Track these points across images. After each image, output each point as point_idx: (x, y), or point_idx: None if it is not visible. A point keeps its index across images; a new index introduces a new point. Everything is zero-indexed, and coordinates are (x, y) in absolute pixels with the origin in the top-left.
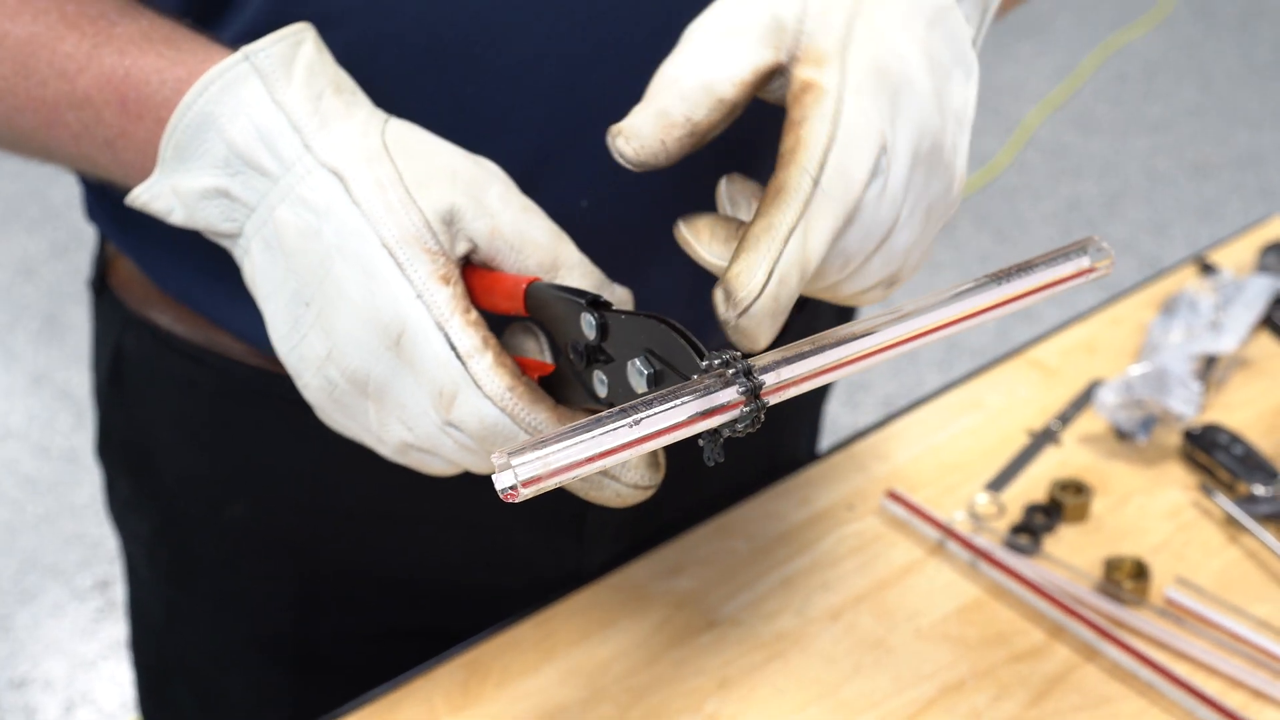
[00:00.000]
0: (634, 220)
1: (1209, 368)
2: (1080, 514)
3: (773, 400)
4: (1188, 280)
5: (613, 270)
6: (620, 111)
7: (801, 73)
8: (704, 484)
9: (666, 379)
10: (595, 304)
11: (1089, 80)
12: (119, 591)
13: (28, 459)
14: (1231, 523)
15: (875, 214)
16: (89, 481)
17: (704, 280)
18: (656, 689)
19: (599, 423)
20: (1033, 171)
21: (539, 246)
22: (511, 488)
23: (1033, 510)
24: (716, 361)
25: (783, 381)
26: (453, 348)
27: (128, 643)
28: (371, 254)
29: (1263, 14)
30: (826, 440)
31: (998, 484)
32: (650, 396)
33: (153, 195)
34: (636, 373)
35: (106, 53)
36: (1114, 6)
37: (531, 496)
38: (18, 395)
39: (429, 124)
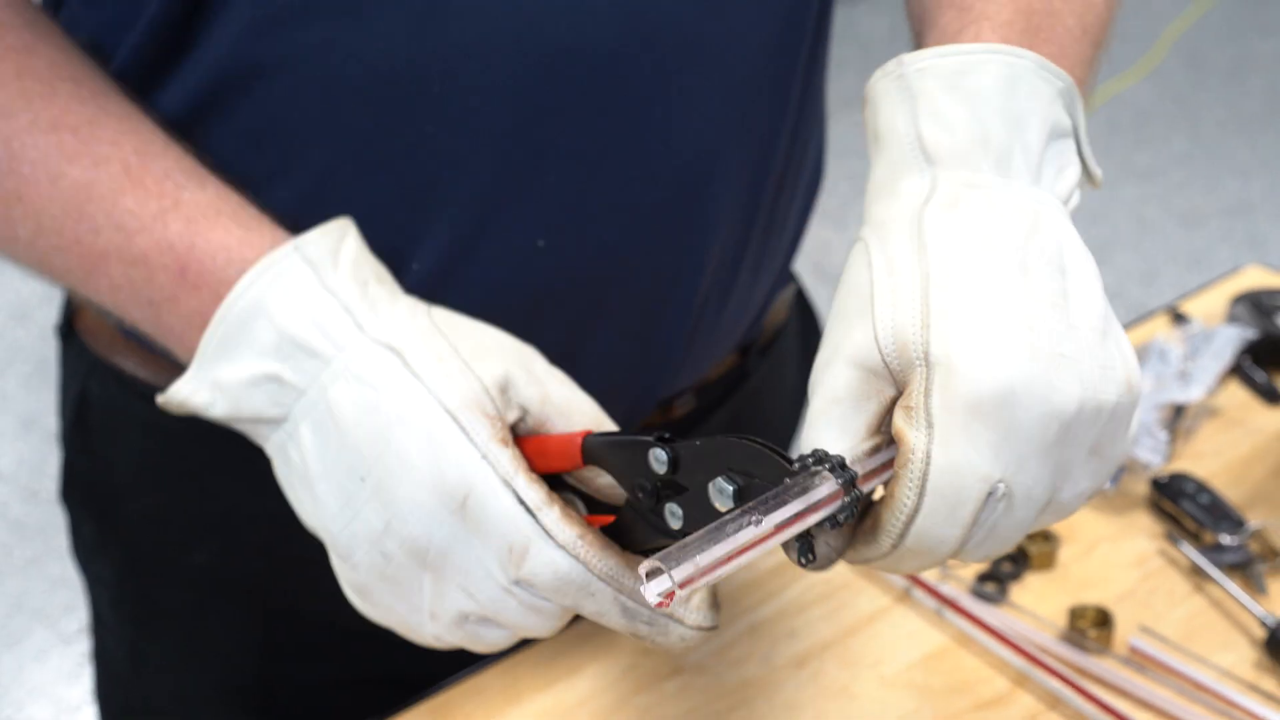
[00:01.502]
0: (590, 261)
1: (1178, 417)
2: (1047, 562)
3: (866, 489)
4: (1158, 330)
5: (570, 310)
6: (575, 155)
7: (897, 420)
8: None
9: (753, 491)
10: (663, 439)
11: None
12: None
13: (16, 503)
14: (1197, 572)
15: (995, 535)
16: None
17: (657, 318)
18: None
19: (726, 525)
20: None
21: (584, 414)
22: (667, 592)
23: (999, 558)
24: (810, 461)
25: (868, 470)
26: (521, 502)
27: (93, 688)
28: (434, 420)
29: (1252, 65)
30: None
31: None
32: (762, 499)
33: (192, 390)
34: (719, 491)
35: (173, 219)
36: (1105, 56)
37: (683, 599)
38: (8, 438)
39: (391, 163)
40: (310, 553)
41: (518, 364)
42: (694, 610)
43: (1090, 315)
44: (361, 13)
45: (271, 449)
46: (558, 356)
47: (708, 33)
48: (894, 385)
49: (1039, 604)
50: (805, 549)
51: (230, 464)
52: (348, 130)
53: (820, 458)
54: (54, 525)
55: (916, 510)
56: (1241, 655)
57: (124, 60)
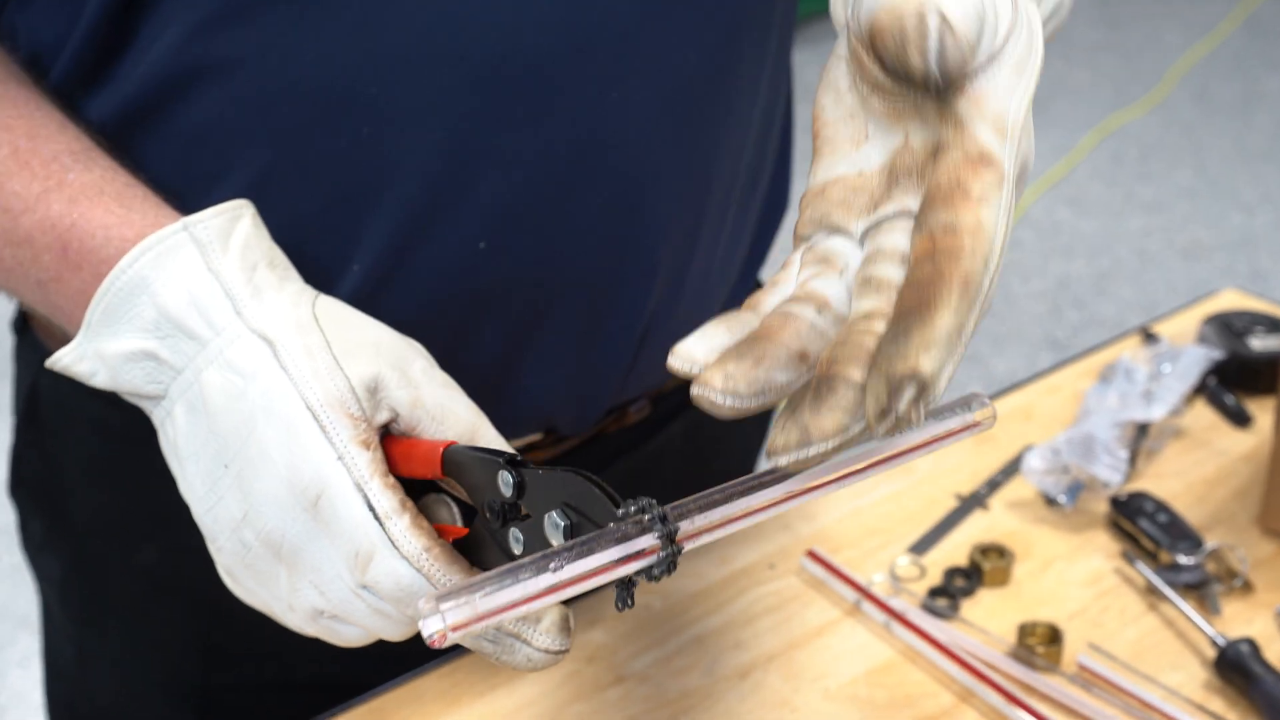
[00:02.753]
0: (532, 263)
1: (1141, 436)
2: (1000, 578)
3: (688, 546)
4: (1128, 349)
5: (513, 314)
6: (513, 160)
7: (982, 134)
8: None
9: (582, 529)
10: (512, 461)
11: (1085, 160)
12: None
13: (4, 509)
14: (1152, 591)
15: None
16: None
17: (600, 320)
18: None
19: (522, 569)
20: (1025, 249)
21: (459, 419)
22: (439, 632)
23: (952, 573)
24: (633, 509)
25: (698, 527)
26: (371, 509)
27: (42, 685)
28: (295, 416)
29: (1259, 100)
30: None
31: (921, 547)
32: (571, 544)
33: (76, 358)
34: (553, 525)
35: (55, 199)
36: (1112, 88)
37: (456, 641)
38: None
39: (327, 170)
40: None
41: (392, 364)
42: (543, 633)
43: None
44: (297, 20)
45: (155, 422)
46: (501, 359)
47: (644, 41)
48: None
49: (990, 620)
50: (624, 595)
51: None
52: (285, 134)
53: (645, 508)
54: None
55: (1005, 241)
56: (1191, 675)
57: (61, 69)
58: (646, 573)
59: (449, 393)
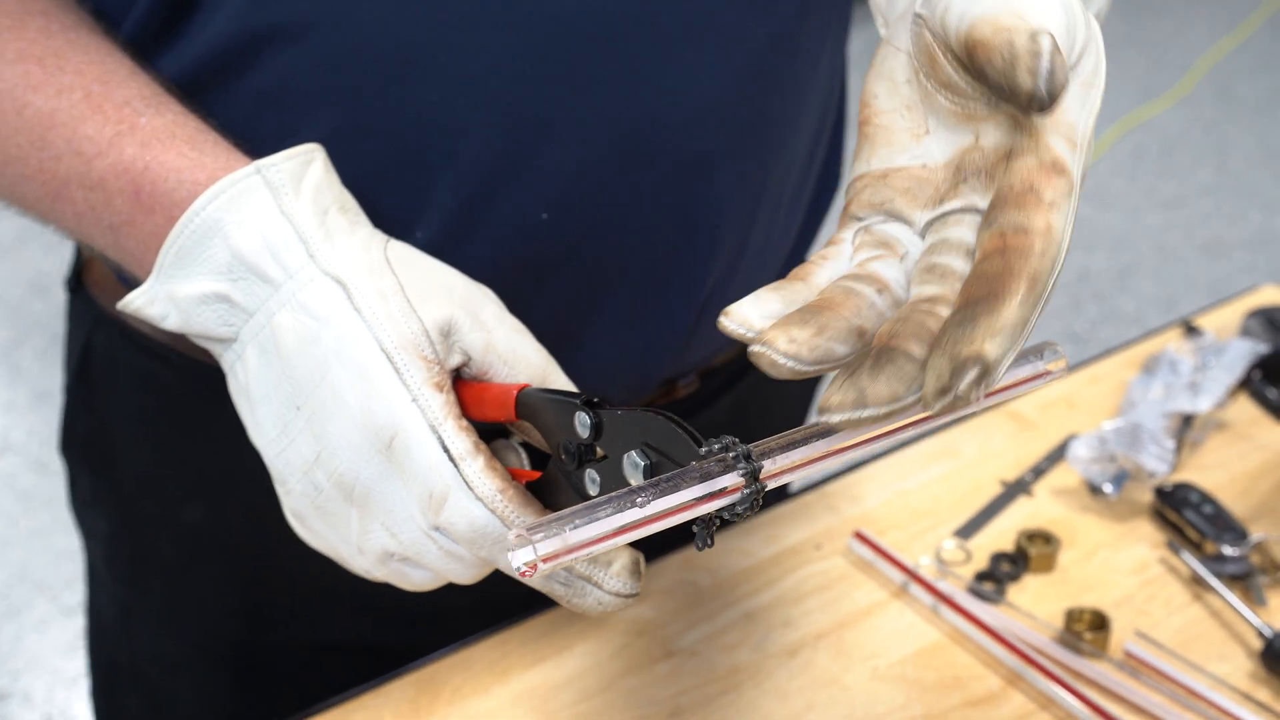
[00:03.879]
0: (594, 235)
1: (1185, 427)
2: (1046, 564)
3: (771, 485)
4: (1170, 341)
5: (573, 285)
6: (575, 128)
7: (1055, 143)
8: None
9: (662, 469)
10: (589, 403)
11: (1106, 154)
12: None
13: (26, 473)
14: (1197, 581)
15: None
16: None
17: (659, 295)
18: (607, 715)
19: (608, 504)
20: None
21: (530, 363)
22: (530, 563)
23: (998, 558)
24: (716, 447)
25: (780, 467)
26: (445, 450)
27: (85, 641)
28: (369, 358)
29: None
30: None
31: (966, 531)
32: (656, 480)
33: (148, 300)
34: (632, 465)
35: (128, 142)
36: (1134, 83)
37: (546, 573)
38: (20, 410)
39: (392, 129)
40: None
41: (464, 308)
42: (613, 576)
43: None
44: None
45: (225, 366)
46: (560, 329)
47: (714, 13)
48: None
49: (1036, 606)
50: (705, 535)
51: (225, 423)
52: (350, 97)
53: (729, 446)
54: (61, 498)
55: (1068, 250)
56: (1237, 665)
57: (129, 30)
58: (730, 510)
59: (520, 337)
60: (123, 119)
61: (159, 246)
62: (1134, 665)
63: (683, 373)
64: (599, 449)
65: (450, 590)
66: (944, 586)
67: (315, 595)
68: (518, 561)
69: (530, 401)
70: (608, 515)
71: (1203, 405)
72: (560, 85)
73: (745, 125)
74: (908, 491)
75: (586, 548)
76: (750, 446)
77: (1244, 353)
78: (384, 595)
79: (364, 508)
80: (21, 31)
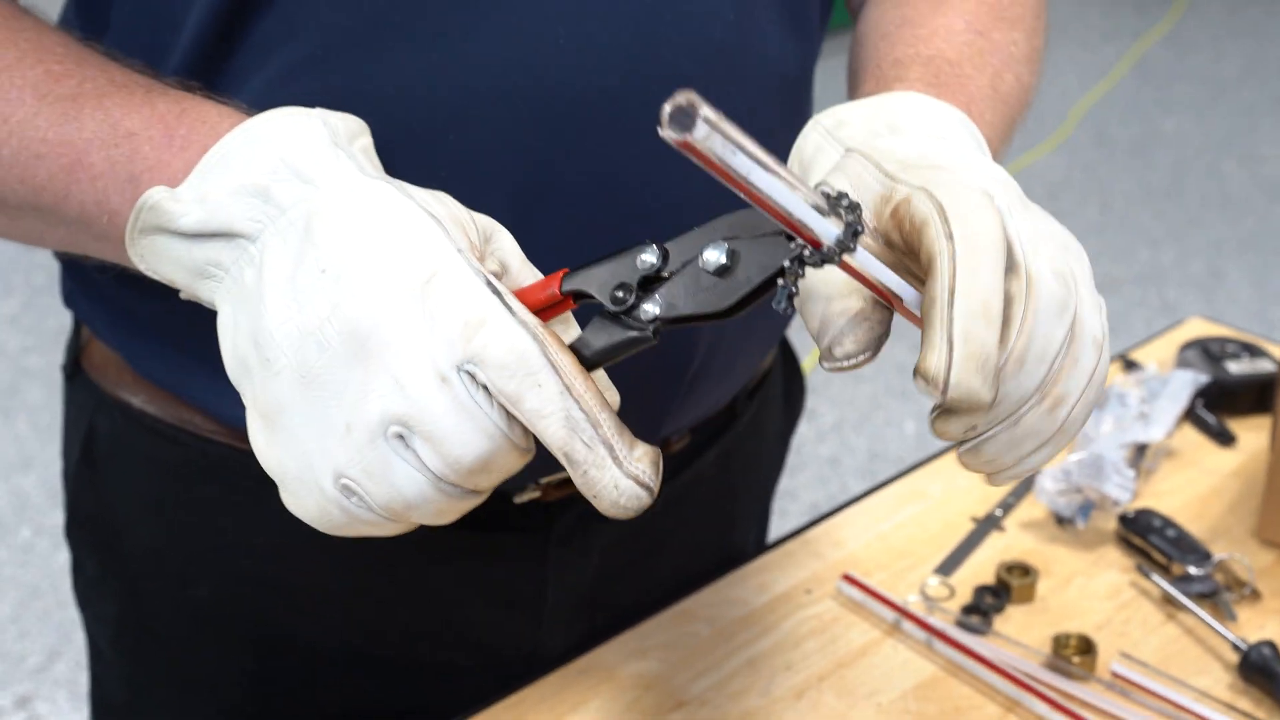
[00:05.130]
0: None
1: (1139, 457)
2: (1027, 594)
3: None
4: (1113, 376)
5: None
6: (580, 196)
7: (900, 202)
8: (657, 573)
9: (742, 252)
10: (649, 242)
11: None
12: (42, 707)
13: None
14: (1168, 601)
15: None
16: (10, 598)
17: (658, 363)
18: None
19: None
20: None
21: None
22: (693, 106)
23: (982, 591)
24: (829, 193)
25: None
26: (490, 284)
27: None
28: (418, 218)
29: (1156, 140)
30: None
31: (947, 568)
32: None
33: (170, 196)
34: (708, 259)
35: (161, 100)
36: (1019, 130)
37: (699, 147)
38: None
39: None
40: (305, 580)
41: (505, 233)
42: (636, 460)
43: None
44: (375, 61)
45: (223, 290)
46: None
47: (703, 87)
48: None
49: (1022, 634)
50: (791, 284)
51: (232, 496)
52: None
53: (838, 194)
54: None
55: (945, 214)
56: (1217, 679)
57: None
58: (828, 250)
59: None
60: (152, 89)
61: (184, 179)
62: (1123, 685)
63: (676, 431)
64: (664, 277)
65: (458, 650)
66: (935, 621)
67: (326, 663)
68: (678, 101)
69: (580, 273)
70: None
71: (1156, 434)
72: (559, 154)
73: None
74: (885, 533)
75: (735, 148)
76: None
77: (1187, 383)
78: (392, 658)
79: (376, 357)
80: (40, 42)
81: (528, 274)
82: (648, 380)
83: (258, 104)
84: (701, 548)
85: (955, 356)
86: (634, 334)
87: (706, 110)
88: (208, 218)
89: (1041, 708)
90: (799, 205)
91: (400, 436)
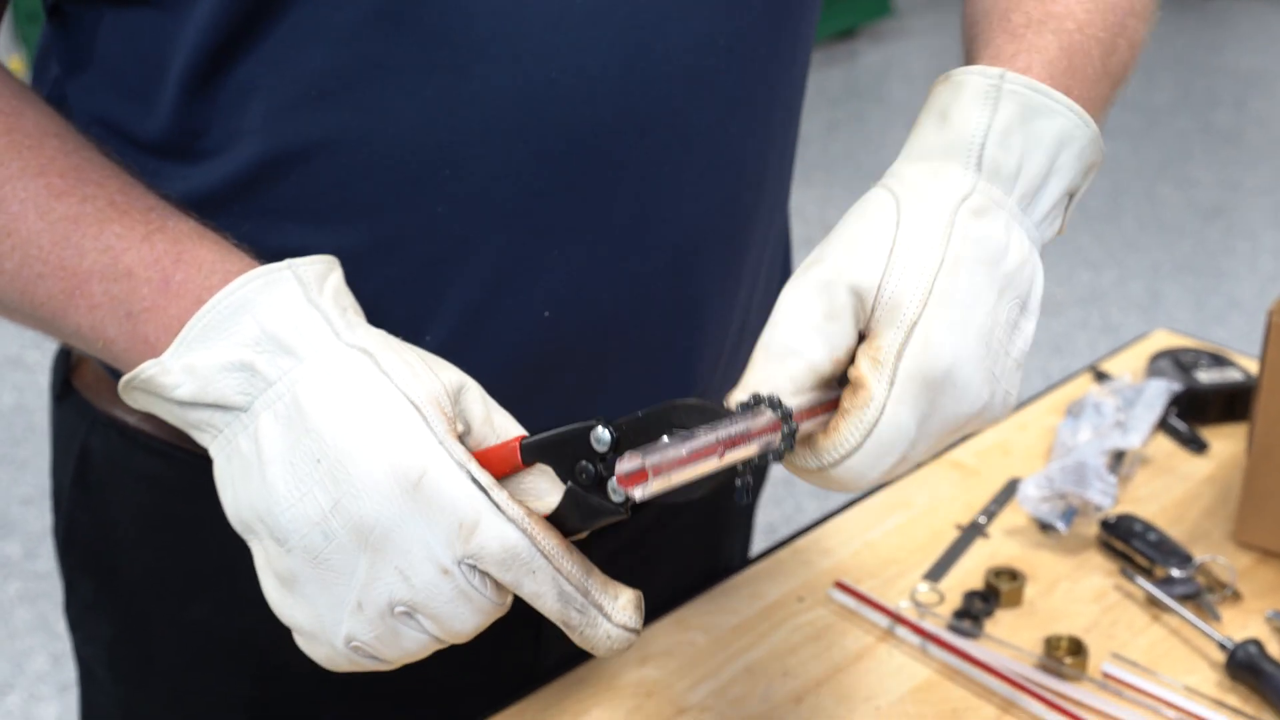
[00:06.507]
0: (593, 329)
1: (1117, 463)
2: (1016, 599)
3: (801, 427)
4: (1086, 388)
5: (575, 376)
6: (577, 231)
7: (861, 366)
8: (648, 586)
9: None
10: (603, 420)
11: None
12: None
13: None
14: (1153, 603)
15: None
16: None
17: (662, 382)
18: None
19: (684, 437)
20: None
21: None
22: (637, 470)
23: (972, 596)
24: (750, 401)
25: (800, 408)
26: (475, 481)
27: None
28: (398, 408)
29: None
30: (767, 548)
31: (935, 574)
32: (714, 423)
33: (161, 370)
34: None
35: (159, 239)
36: (1121, 92)
37: (646, 496)
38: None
39: (406, 241)
40: None
41: (470, 381)
42: (621, 609)
43: (1020, 350)
44: (376, 102)
45: (219, 444)
46: (563, 418)
47: (695, 118)
48: (856, 329)
49: (1012, 637)
50: (745, 489)
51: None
52: (363, 213)
53: (758, 399)
54: None
55: (857, 449)
56: (1204, 677)
57: (151, 144)
58: (773, 451)
59: (509, 421)
60: (150, 221)
61: (178, 330)
62: (1114, 684)
63: None
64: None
65: (456, 670)
66: (927, 626)
67: (322, 684)
68: (626, 467)
69: (536, 444)
70: (686, 441)
71: (1134, 441)
72: (562, 193)
73: (724, 218)
74: (873, 542)
75: (679, 465)
76: (774, 396)
77: (1161, 391)
78: (389, 679)
79: (380, 551)
80: (40, 150)
81: (488, 432)
82: (654, 400)
83: (245, 151)
84: (691, 563)
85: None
86: (609, 512)
87: (650, 483)
88: (200, 392)
89: (1037, 708)
90: (737, 454)
91: (407, 614)
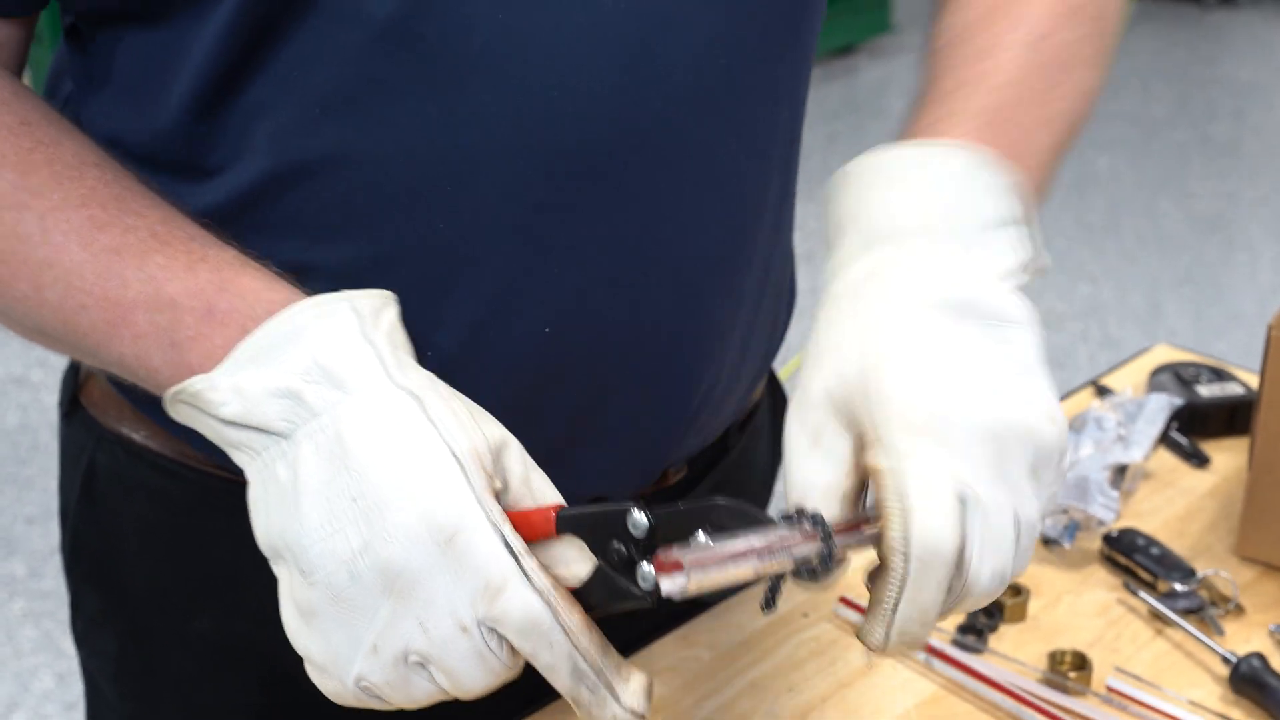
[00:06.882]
0: (595, 345)
1: (1119, 478)
2: (1019, 614)
3: (839, 541)
4: (1087, 402)
5: (577, 392)
6: (578, 248)
7: (867, 457)
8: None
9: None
10: (642, 503)
11: None
12: None
13: None
14: (1156, 617)
15: (990, 543)
16: None
17: (662, 400)
18: None
19: (719, 539)
20: None
21: (551, 502)
22: (674, 561)
23: (975, 611)
24: (791, 514)
25: (843, 531)
26: (507, 544)
27: None
28: (440, 460)
29: (1092, 180)
30: None
31: None
32: (750, 531)
33: (208, 386)
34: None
35: (202, 269)
36: (1073, 138)
37: (675, 590)
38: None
39: (407, 257)
40: None
41: (513, 437)
42: (631, 693)
43: (1017, 355)
44: (379, 120)
45: (256, 466)
46: (565, 433)
47: (695, 136)
48: (855, 426)
49: (1016, 652)
50: (771, 597)
51: (234, 529)
52: (365, 229)
53: (799, 511)
54: None
55: (908, 513)
56: (1208, 691)
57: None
58: (809, 567)
59: (547, 483)
60: (191, 251)
61: (222, 358)
62: (1119, 698)
63: (675, 463)
64: (658, 542)
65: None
66: (932, 641)
67: (330, 705)
68: (669, 555)
69: (573, 517)
70: (727, 542)
71: (1136, 456)
72: (564, 210)
73: (725, 235)
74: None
75: (718, 564)
76: (816, 511)
77: (1163, 405)
78: None
79: (403, 599)
80: (81, 180)
81: (524, 492)
82: (655, 418)
83: (250, 168)
84: None
85: (890, 638)
86: (634, 597)
87: (683, 578)
88: (245, 413)
89: None
90: (775, 563)
91: (420, 664)
